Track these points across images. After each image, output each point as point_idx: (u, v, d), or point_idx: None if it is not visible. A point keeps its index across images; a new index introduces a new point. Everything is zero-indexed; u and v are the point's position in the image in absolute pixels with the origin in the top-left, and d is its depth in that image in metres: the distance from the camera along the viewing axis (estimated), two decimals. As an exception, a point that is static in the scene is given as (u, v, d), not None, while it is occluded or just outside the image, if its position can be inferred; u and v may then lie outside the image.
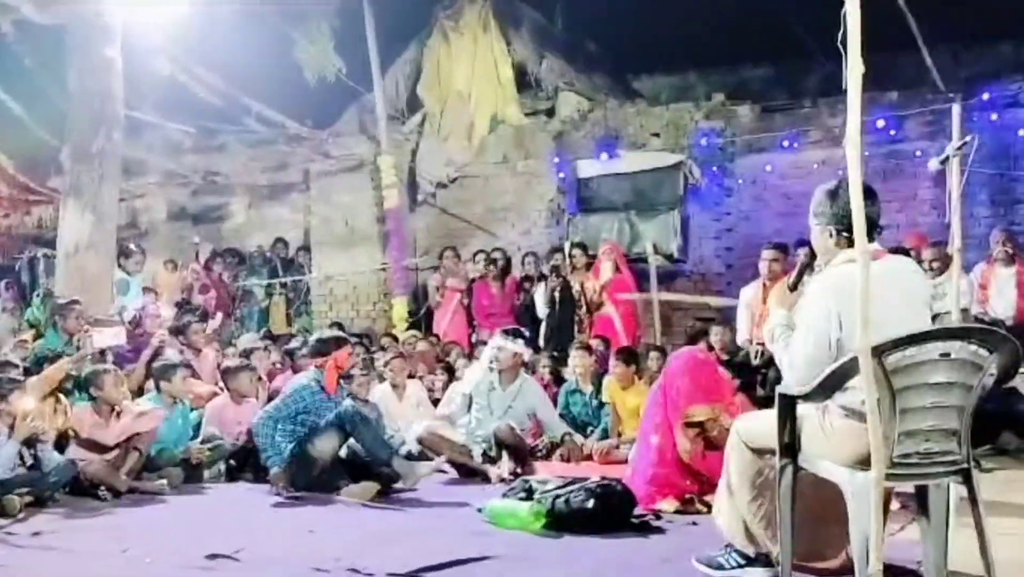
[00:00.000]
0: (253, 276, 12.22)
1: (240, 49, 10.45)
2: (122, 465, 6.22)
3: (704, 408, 5.20)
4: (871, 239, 3.42)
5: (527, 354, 7.51)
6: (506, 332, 7.31)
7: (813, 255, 3.75)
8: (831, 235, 3.53)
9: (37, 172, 12.77)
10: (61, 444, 6.29)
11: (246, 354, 8.17)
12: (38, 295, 10.68)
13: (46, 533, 5.06)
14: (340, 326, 11.28)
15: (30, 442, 5.84)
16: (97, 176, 8.70)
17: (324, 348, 6.46)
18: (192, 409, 7.24)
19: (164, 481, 6.33)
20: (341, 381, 6.62)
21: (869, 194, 3.32)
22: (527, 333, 7.69)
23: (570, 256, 10.14)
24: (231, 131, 12.76)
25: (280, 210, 13.18)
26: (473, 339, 10.29)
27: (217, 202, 13.46)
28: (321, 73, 11.63)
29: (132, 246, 9.43)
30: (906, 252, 7.93)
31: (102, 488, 6.02)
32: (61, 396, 6.62)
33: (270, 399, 8.04)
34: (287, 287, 12.29)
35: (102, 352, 7.30)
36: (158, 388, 6.95)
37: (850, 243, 3.38)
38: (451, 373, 8.74)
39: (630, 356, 7.90)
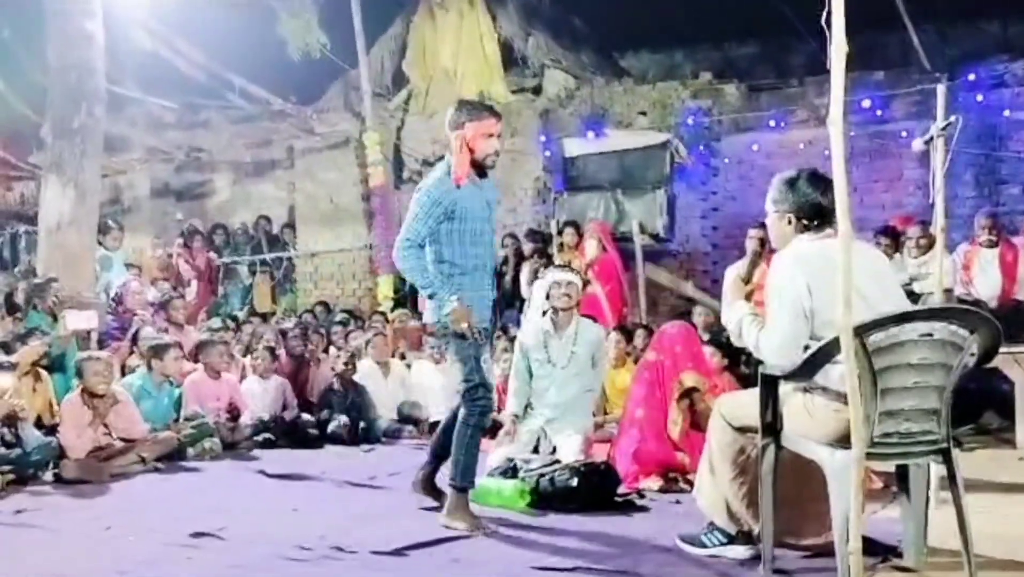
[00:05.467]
0: (237, 253, 12.15)
1: (223, 23, 10.35)
2: (113, 458, 6.13)
3: (695, 376, 5.31)
4: (828, 226, 3.50)
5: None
6: (558, 266, 6.15)
7: (762, 245, 3.79)
8: (789, 222, 3.60)
9: (18, 147, 12.64)
10: (42, 422, 6.25)
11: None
12: (18, 272, 10.61)
13: (29, 511, 5.04)
14: (326, 305, 11.29)
15: (10, 420, 5.80)
16: (79, 152, 8.60)
17: (454, 119, 4.55)
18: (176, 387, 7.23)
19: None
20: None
21: (826, 183, 3.44)
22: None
23: (559, 234, 10.11)
24: (214, 107, 12.66)
25: (264, 187, 13.10)
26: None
27: (201, 179, 13.37)
28: (305, 48, 11.52)
29: (110, 222, 9.37)
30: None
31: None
32: (42, 373, 6.58)
33: (242, 378, 7.96)
34: (271, 265, 12.24)
35: (87, 334, 7.25)
36: (149, 366, 6.96)
37: (806, 229, 3.55)
38: None
39: (628, 333, 7.93)
